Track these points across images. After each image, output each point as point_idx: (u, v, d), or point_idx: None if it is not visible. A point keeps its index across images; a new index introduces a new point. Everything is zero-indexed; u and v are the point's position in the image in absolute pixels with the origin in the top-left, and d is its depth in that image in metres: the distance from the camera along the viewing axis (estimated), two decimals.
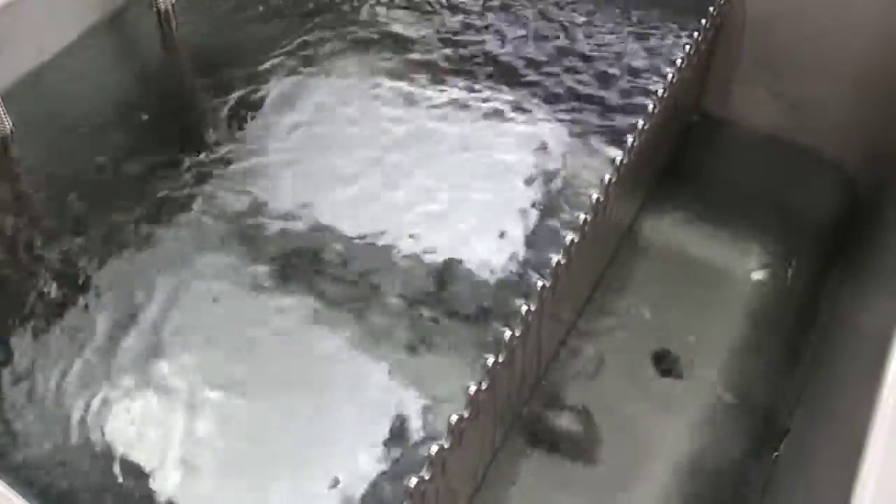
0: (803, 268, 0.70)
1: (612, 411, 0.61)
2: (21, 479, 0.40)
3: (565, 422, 0.60)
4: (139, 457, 0.41)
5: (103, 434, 0.41)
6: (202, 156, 0.54)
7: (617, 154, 0.53)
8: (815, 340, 0.64)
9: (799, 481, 0.51)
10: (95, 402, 0.42)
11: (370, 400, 0.42)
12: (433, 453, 0.40)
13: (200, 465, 0.40)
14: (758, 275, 0.69)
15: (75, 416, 0.42)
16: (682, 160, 0.76)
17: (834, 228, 0.72)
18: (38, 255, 0.49)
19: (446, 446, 0.40)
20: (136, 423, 0.42)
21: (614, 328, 0.66)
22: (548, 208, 0.50)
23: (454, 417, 0.41)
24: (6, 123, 0.55)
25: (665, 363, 0.64)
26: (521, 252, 0.48)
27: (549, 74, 0.58)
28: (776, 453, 0.59)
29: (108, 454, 0.41)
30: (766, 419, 0.61)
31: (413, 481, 0.39)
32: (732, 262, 0.70)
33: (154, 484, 0.40)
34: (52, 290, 0.47)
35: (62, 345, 0.45)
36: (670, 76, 0.58)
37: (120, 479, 0.40)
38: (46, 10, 0.60)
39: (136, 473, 0.40)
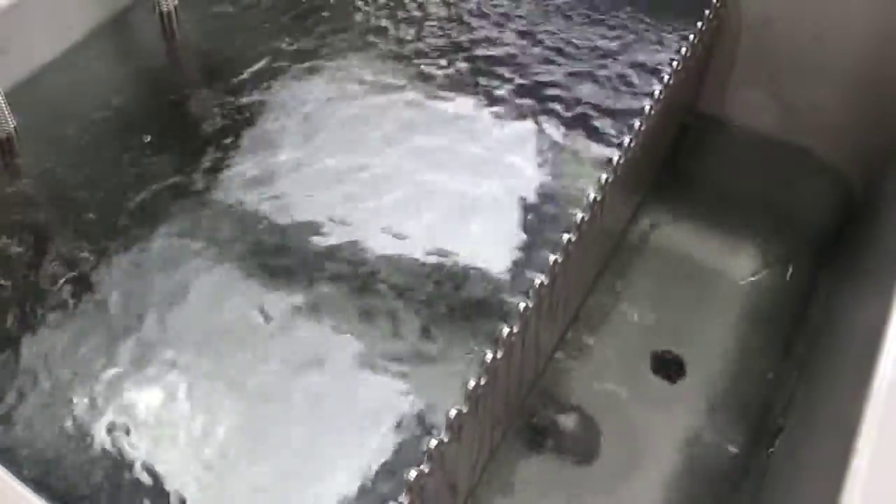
0: (798, 268, 0.70)
1: (609, 409, 0.61)
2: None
3: (563, 420, 0.61)
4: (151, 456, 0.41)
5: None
6: (204, 157, 0.55)
7: (614, 154, 0.53)
8: (809, 340, 0.65)
9: (792, 478, 0.52)
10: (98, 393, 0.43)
11: (369, 394, 0.43)
12: (432, 447, 0.40)
13: (194, 451, 0.41)
14: (753, 275, 0.70)
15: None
16: (679, 161, 0.77)
17: (829, 229, 0.73)
18: (40, 253, 0.50)
19: (445, 440, 0.41)
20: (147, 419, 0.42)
21: (611, 327, 0.66)
22: (545, 208, 0.51)
23: (453, 412, 0.41)
24: (10, 122, 0.56)
25: (661, 362, 0.64)
26: (520, 250, 0.49)
27: (546, 74, 0.59)
28: (770, 450, 0.59)
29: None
30: (761, 417, 0.62)
31: (412, 475, 0.39)
32: (728, 263, 0.71)
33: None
34: (56, 286, 0.48)
35: (65, 342, 0.46)
36: (667, 77, 0.58)
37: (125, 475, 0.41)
38: (50, 11, 0.60)
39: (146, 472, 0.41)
